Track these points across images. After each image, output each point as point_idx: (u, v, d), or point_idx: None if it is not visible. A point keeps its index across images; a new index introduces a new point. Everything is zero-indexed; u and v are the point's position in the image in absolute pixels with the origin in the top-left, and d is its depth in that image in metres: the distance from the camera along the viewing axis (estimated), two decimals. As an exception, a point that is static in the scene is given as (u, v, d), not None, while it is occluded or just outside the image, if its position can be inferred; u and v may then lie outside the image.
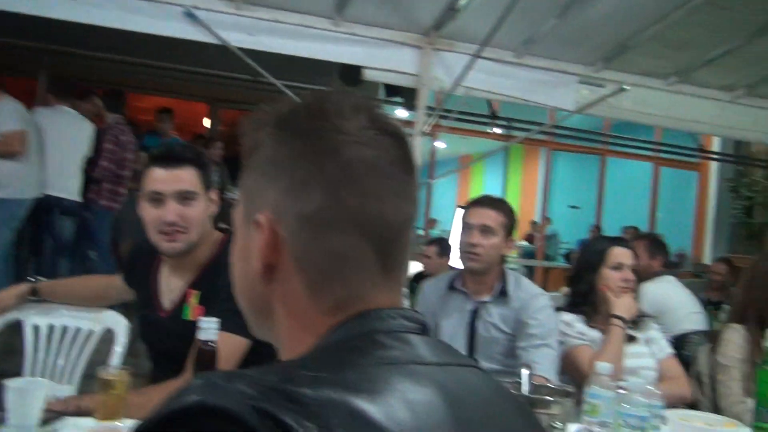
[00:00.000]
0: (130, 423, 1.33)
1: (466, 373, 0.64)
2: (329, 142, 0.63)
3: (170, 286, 1.77)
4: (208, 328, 1.21)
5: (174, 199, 1.65)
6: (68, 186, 4.51)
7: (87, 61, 6.05)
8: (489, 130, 8.84)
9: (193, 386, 0.49)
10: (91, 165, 4.68)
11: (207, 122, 8.27)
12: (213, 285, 1.67)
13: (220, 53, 3.86)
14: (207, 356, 1.20)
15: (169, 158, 1.67)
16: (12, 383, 1.35)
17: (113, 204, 4.78)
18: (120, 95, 5.19)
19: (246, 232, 0.68)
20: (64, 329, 2.07)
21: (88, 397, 1.53)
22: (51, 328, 2.07)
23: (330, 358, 0.57)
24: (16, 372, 1.94)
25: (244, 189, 0.69)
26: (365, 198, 0.63)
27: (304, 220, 0.63)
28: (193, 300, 1.71)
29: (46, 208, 4.40)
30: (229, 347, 1.50)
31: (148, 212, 1.67)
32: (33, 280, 2.01)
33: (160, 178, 1.65)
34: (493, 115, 8.19)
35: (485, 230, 2.18)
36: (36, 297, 1.96)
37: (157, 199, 1.65)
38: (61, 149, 4.45)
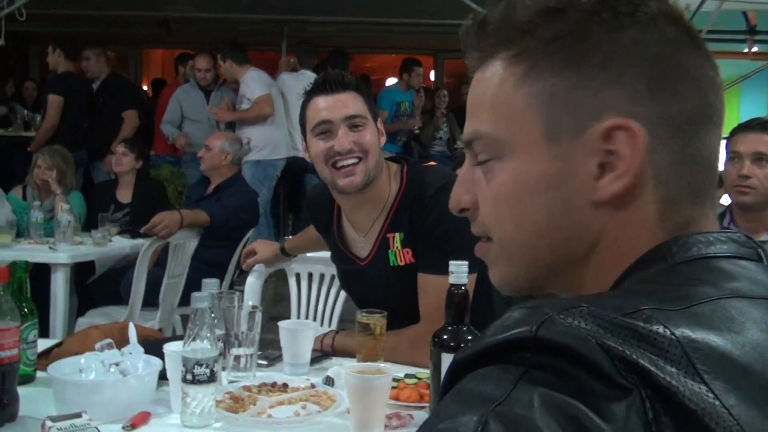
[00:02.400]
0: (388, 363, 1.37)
1: None
2: (678, 23, 0.54)
3: (358, 232, 1.65)
4: (459, 272, 1.17)
5: (344, 126, 1.49)
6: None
7: (320, 27, 6.43)
8: (746, 50, 7.70)
9: (521, 316, 0.43)
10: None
11: (432, 75, 8.36)
12: (417, 222, 1.53)
13: (441, 1, 3.82)
14: (458, 300, 1.17)
15: (331, 83, 1.51)
16: (284, 324, 1.47)
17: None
18: (345, 55, 5.41)
19: (554, 151, 0.53)
20: (321, 276, 2.22)
21: (340, 337, 1.60)
22: (310, 275, 2.23)
23: (665, 290, 0.47)
24: (286, 316, 2.13)
25: (543, 95, 0.53)
26: (714, 90, 0.55)
27: (675, 121, 0.52)
28: (397, 244, 1.57)
29: (296, 168, 4.81)
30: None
31: (316, 147, 1.51)
32: (282, 239, 2.15)
33: (325, 105, 1.50)
34: (752, 30, 7.10)
35: (759, 158, 1.88)
36: (284, 254, 2.12)
37: (326, 130, 1.50)
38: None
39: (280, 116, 4.62)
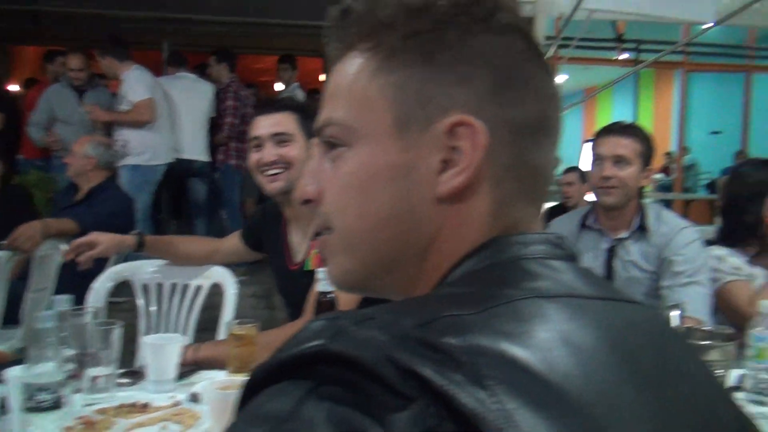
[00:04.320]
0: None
1: (633, 309, 0.53)
2: (526, 37, 0.57)
3: (297, 240, 1.82)
4: (325, 279, 1.16)
5: (271, 141, 1.73)
6: (197, 148, 4.72)
7: (203, 27, 6.23)
8: (615, 57, 8.24)
9: (316, 329, 0.42)
10: (216, 125, 4.85)
11: (323, 77, 8.34)
12: None
13: (333, 4, 3.80)
14: (327, 307, 1.17)
15: (268, 106, 1.79)
16: (148, 339, 1.39)
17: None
18: (232, 56, 5.28)
19: (402, 143, 0.54)
20: (173, 286, 2.14)
21: (207, 346, 1.57)
22: (160, 286, 2.14)
23: (471, 293, 0.48)
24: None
25: (396, 87, 0.55)
26: (553, 104, 0.58)
27: (515, 127, 0.54)
28: (314, 250, 1.73)
29: (179, 171, 4.63)
30: (350, 300, 1.46)
31: (251, 158, 1.77)
32: (137, 232, 2.02)
33: (258, 124, 1.76)
34: (620, 39, 7.60)
35: (619, 160, 1.98)
36: (140, 249, 2.00)
37: (257, 144, 1.75)
38: (187, 113, 4.65)
39: (162, 120, 4.43)
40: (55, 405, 1.04)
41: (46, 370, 1.04)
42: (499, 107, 0.54)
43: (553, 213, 4.05)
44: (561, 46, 4.86)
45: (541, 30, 3.94)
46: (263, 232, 1.95)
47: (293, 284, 1.80)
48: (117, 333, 1.35)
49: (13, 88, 7.47)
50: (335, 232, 0.58)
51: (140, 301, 2.13)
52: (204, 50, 6.08)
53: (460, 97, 0.54)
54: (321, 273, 1.17)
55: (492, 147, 0.53)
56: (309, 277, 1.66)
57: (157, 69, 5.17)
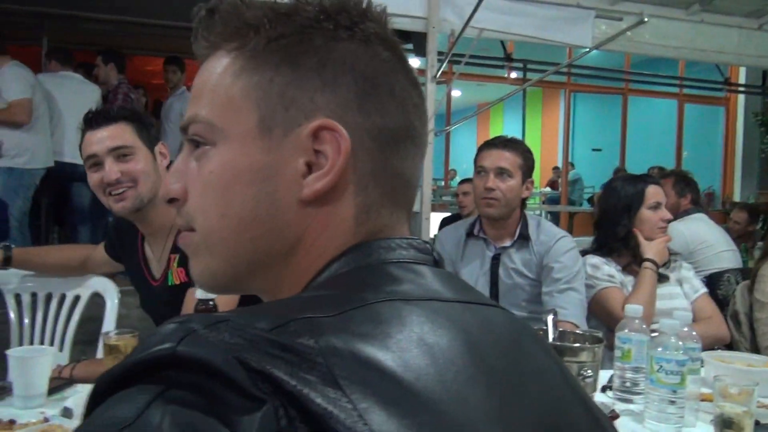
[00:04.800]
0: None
1: (490, 313, 0.55)
2: (392, 48, 0.58)
3: (155, 255, 1.72)
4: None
5: (111, 157, 1.56)
6: (75, 152, 4.46)
7: (89, 25, 5.93)
8: (505, 74, 8.60)
9: (166, 332, 0.41)
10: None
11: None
12: None
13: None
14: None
15: (98, 118, 1.60)
16: (13, 352, 1.31)
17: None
18: (119, 56, 5.06)
19: (265, 144, 0.54)
20: (49, 296, 2.02)
21: (85, 364, 1.52)
22: (34, 295, 2.02)
23: (331, 296, 0.49)
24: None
25: (260, 88, 0.55)
26: (417, 114, 0.59)
27: (378, 134, 0.55)
28: (174, 264, 1.66)
29: (62, 176, 4.37)
30: (228, 302, 1.43)
31: (90, 178, 1.59)
32: (4, 246, 1.87)
33: (92, 140, 1.57)
34: (508, 58, 7.96)
35: (501, 173, 2.07)
36: (8, 266, 1.86)
37: (96, 162, 1.57)
38: (71, 115, 4.38)
39: (42, 122, 4.14)
40: None
41: None
42: (363, 114, 0.55)
43: (447, 222, 4.18)
44: (453, 62, 5.02)
45: (433, 45, 4.06)
46: (119, 246, 1.85)
47: (156, 300, 1.73)
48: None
49: None
50: (198, 232, 0.58)
51: (11, 313, 1.99)
52: (89, 48, 5.79)
53: (323, 102, 0.54)
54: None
55: (355, 153, 0.54)
56: (173, 292, 1.63)
57: (36, 66, 4.86)
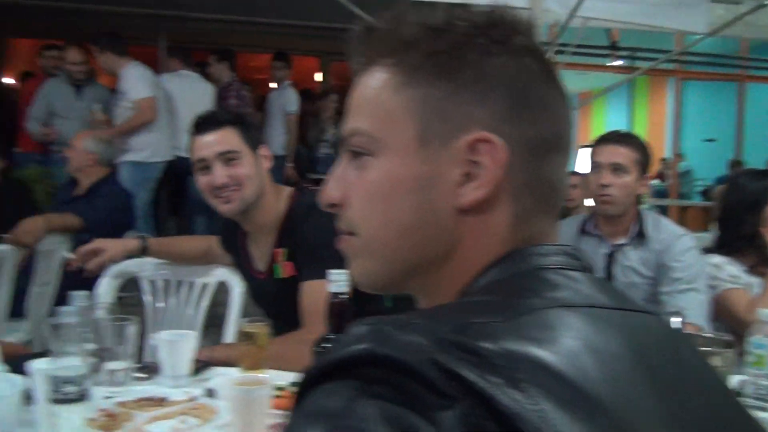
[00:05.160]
0: (271, 373, 1.37)
1: (647, 319, 0.57)
2: (541, 59, 0.60)
3: (259, 249, 1.80)
4: (338, 281, 1.19)
5: (219, 162, 1.65)
6: (195, 146, 4.72)
7: (200, 24, 6.25)
8: (610, 63, 8.31)
9: (361, 333, 0.46)
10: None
11: (318, 76, 8.36)
12: (295, 240, 1.69)
13: (328, 4, 3.84)
14: (338, 308, 1.19)
15: (206, 123, 1.68)
16: (162, 336, 1.43)
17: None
18: (232, 55, 5.30)
19: (423, 155, 0.58)
20: (179, 283, 2.17)
21: (223, 348, 1.61)
22: (167, 282, 2.17)
23: (497, 302, 0.52)
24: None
25: (418, 102, 0.58)
26: (566, 123, 0.61)
27: (531, 145, 0.58)
28: (281, 258, 1.73)
29: (179, 169, 4.65)
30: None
31: (200, 181, 1.69)
32: (141, 236, 2.06)
33: (201, 144, 1.66)
34: (614, 46, 7.67)
35: (617, 169, 2.03)
36: (145, 254, 2.03)
37: (204, 166, 1.67)
38: (188, 112, 4.65)
39: (162, 118, 4.43)
40: (80, 397, 1.07)
41: (71, 363, 1.07)
42: (516, 126, 0.58)
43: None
44: (557, 52, 4.92)
45: (537, 36, 4.00)
46: (226, 241, 1.96)
47: (263, 292, 1.83)
48: (132, 329, 1.38)
49: (8, 81, 7.44)
50: (360, 237, 0.62)
51: (147, 298, 2.16)
52: (200, 47, 6.11)
53: (479, 115, 0.57)
54: (333, 275, 1.19)
55: (510, 163, 0.57)
56: (280, 285, 1.72)
57: (153, 65, 5.19)
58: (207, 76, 5.03)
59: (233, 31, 6.51)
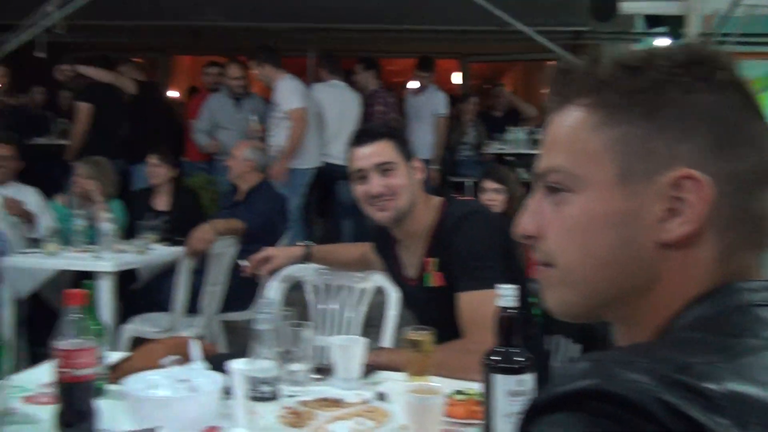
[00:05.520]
0: (437, 380, 1.43)
1: None
2: (745, 92, 0.61)
3: (410, 256, 1.88)
4: (507, 295, 1.23)
5: (375, 172, 1.75)
6: (344, 154, 4.93)
7: (346, 34, 6.51)
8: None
9: (585, 369, 0.49)
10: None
11: (457, 78, 8.39)
12: (447, 250, 1.74)
13: (467, 7, 3.88)
14: (507, 322, 1.23)
15: (365, 136, 1.81)
16: (336, 341, 1.54)
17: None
18: (376, 63, 5.47)
19: (624, 191, 0.59)
20: (339, 287, 2.30)
21: (388, 353, 1.70)
22: (327, 287, 2.31)
23: (714, 340, 0.53)
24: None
25: (618, 141, 0.60)
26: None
27: (737, 179, 0.58)
28: (432, 267, 1.79)
29: (327, 175, 4.89)
30: (490, 302, 1.50)
31: (357, 190, 1.80)
32: (305, 244, 2.23)
33: (359, 155, 1.77)
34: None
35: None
36: (308, 261, 2.19)
37: (362, 176, 1.77)
38: (336, 120, 4.90)
39: (312, 127, 4.69)
40: (273, 396, 1.19)
41: (267, 366, 1.19)
42: (722, 161, 0.58)
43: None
44: (719, 42, 4.63)
45: (695, 28, 3.77)
46: (379, 247, 2.04)
47: (414, 299, 1.91)
48: (308, 333, 1.50)
49: (173, 94, 8.16)
50: (557, 269, 0.64)
51: (310, 298, 2.31)
52: (346, 56, 6.36)
53: (682, 152, 0.58)
54: (502, 289, 1.23)
55: (716, 198, 0.57)
56: (430, 293, 1.79)
57: (302, 75, 5.49)
58: (353, 84, 5.23)
59: (376, 39, 6.72)
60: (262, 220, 3.41)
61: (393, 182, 1.75)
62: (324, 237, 5.23)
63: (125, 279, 3.55)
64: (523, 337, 1.24)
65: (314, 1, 5.59)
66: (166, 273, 3.53)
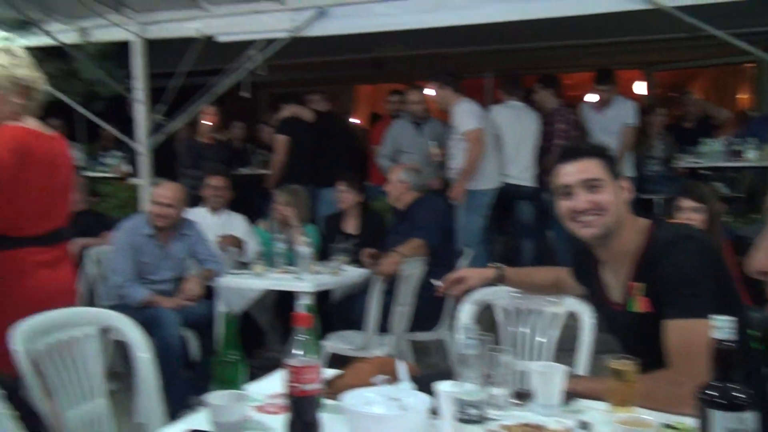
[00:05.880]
0: (641, 412, 1.39)
1: None
2: None
3: (614, 278, 1.81)
4: (724, 327, 1.17)
5: (581, 188, 1.72)
6: (524, 174, 4.94)
7: (523, 53, 6.49)
8: None
9: None
10: (543, 150, 5.01)
11: (640, 88, 7.98)
12: (654, 275, 1.66)
13: (651, 16, 3.70)
14: (724, 355, 1.17)
15: (572, 153, 1.78)
16: (536, 367, 1.56)
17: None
18: (556, 81, 5.39)
19: None
20: (530, 311, 2.29)
21: (587, 381, 1.68)
22: (518, 311, 2.31)
23: None
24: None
25: None
26: None
27: None
28: (637, 292, 1.72)
29: (507, 195, 4.90)
30: (702, 332, 1.37)
31: (561, 206, 1.77)
32: (498, 266, 2.22)
33: (565, 171, 1.75)
34: None
35: None
36: (500, 283, 2.20)
37: (567, 192, 1.75)
38: (514, 141, 4.90)
39: (490, 148, 4.74)
40: (480, 419, 1.24)
41: (473, 389, 1.25)
42: None
43: None
44: None
45: None
46: (579, 270, 2.00)
47: (618, 324, 1.83)
48: (506, 358, 1.54)
49: (355, 121, 8.63)
50: None
51: (500, 320, 2.34)
52: (523, 74, 6.33)
53: None
54: (719, 321, 1.17)
55: None
56: (634, 318, 1.71)
57: (479, 96, 5.55)
58: (532, 104, 5.20)
59: (554, 56, 6.62)
60: (428, 227, 3.60)
61: (600, 198, 1.72)
62: (503, 257, 5.23)
63: (320, 298, 3.84)
64: (742, 372, 1.18)
65: (489, 23, 5.66)
66: (356, 292, 3.76)
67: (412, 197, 3.86)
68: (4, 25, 4.55)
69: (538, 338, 2.29)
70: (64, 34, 4.42)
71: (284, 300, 3.85)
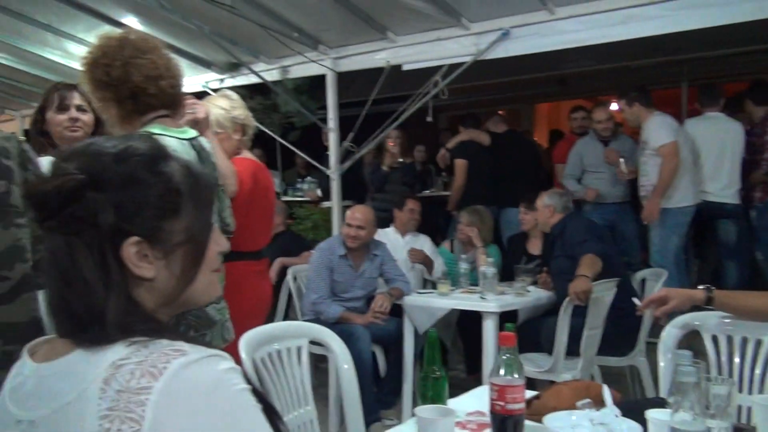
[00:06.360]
0: None
1: None
2: None
3: None
4: None
5: None
6: (726, 190, 4.53)
7: (722, 60, 5.99)
8: None
9: None
10: (750, 162, 4.58)
11: None
12: None
13: None
14: None
15: None
16: (759, 400, 1.43)
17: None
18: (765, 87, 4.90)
19: None
20: (744, 339, 2.08)
21: None
22: (729, 338, 2.11)
23: None
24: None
25: None
26: None
27: None
28: None
29: (707, 213, 4.53)
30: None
31: None
32: (707, 287, 2.02)
33: None
34: None
35: None
36: (709, 305, 1.99)
37: None
38: (714, 155, 4.53)
39: (687, 163, 4.41)
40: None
41: (688, 419, 1.18)
42: None
43: None
44: None
45: None
46: None
47: None
48: (728, 388, 1.42)
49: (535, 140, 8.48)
50: None
51: (709, 348, 2.17)
52: (723, 81, 5.84)
53: None
54: None
55: None
56: None
57: (675, 107, 5.18)
58: (739, 114, 4.77)
59: (756, 62, 6.03)
60: (592, 241, 3.52)
61: None
62: (702, 280, 4.81)
63: (503, 319, 3.80)
64: None
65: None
66: (540, 314, 3.68)
67: (557, 219, 3.88)
68: (218, 68, 5.13)
69: (755, 370, 2.09)
70: (267, 72, 4.87)
71: (467, 319, 3.87)
